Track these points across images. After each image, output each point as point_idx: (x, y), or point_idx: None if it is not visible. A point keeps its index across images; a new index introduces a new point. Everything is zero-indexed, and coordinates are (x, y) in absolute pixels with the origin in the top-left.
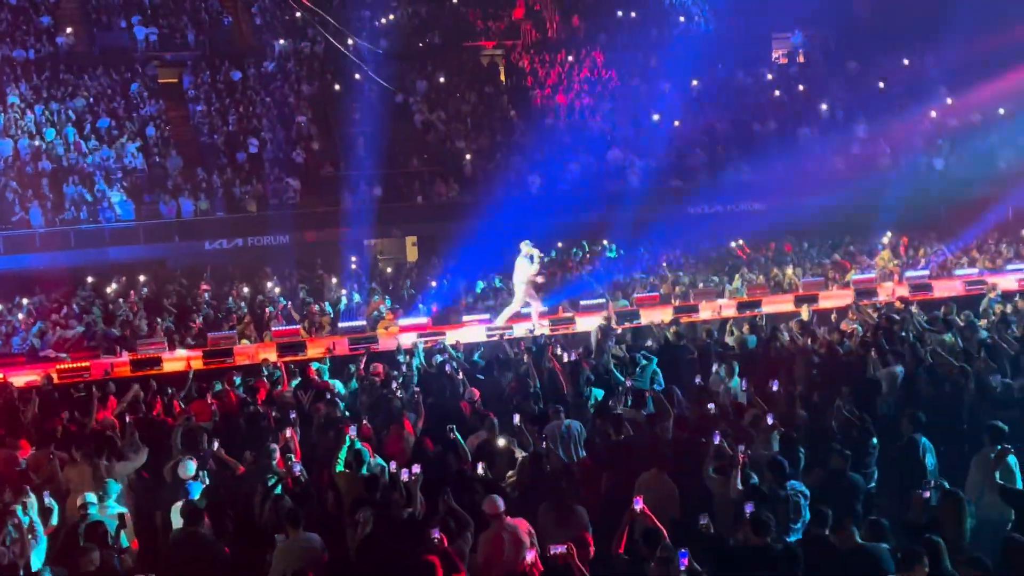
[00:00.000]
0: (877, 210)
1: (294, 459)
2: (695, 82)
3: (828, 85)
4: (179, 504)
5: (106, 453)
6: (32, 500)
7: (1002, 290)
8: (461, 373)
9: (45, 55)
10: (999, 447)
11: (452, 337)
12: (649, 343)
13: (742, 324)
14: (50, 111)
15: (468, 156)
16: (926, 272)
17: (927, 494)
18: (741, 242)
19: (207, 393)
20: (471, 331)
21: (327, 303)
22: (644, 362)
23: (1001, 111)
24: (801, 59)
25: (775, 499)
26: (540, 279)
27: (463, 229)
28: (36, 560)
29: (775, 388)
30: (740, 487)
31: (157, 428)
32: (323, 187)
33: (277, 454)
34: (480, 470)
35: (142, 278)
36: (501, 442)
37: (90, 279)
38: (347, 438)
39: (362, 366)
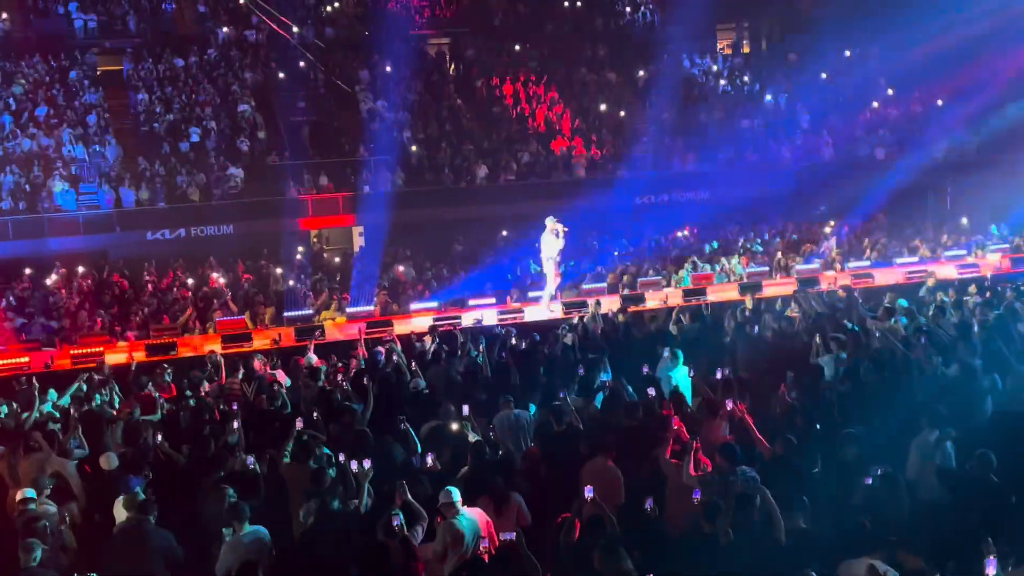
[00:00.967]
0: (820, 199)
1: (241, 451)
2: (642, 72)
3: (772, 76)
4: (122, 498)
5: (47, 447)
6: None
7: (939, 278)
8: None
9: None
10: (937, 431)
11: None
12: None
13: (687, 312)
14: None
15: (414, 147)
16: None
17: (869, 480)
18: (687, 231)
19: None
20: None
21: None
22: (593, 355)
23: (939, 102)
24: (746, 50)
25: (725, 484)
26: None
27: (411, 217)
28: None
29: (719, 375)
30: (692, 472)
31: (101, 422)
32: (268, 176)
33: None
34: (429, 461)
35: (82, 269)
36: (454, 426)
37: (28, 270)
38: (294, 431)
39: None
